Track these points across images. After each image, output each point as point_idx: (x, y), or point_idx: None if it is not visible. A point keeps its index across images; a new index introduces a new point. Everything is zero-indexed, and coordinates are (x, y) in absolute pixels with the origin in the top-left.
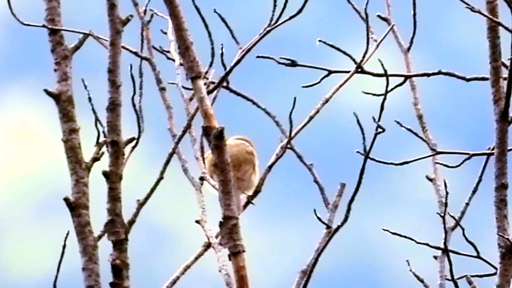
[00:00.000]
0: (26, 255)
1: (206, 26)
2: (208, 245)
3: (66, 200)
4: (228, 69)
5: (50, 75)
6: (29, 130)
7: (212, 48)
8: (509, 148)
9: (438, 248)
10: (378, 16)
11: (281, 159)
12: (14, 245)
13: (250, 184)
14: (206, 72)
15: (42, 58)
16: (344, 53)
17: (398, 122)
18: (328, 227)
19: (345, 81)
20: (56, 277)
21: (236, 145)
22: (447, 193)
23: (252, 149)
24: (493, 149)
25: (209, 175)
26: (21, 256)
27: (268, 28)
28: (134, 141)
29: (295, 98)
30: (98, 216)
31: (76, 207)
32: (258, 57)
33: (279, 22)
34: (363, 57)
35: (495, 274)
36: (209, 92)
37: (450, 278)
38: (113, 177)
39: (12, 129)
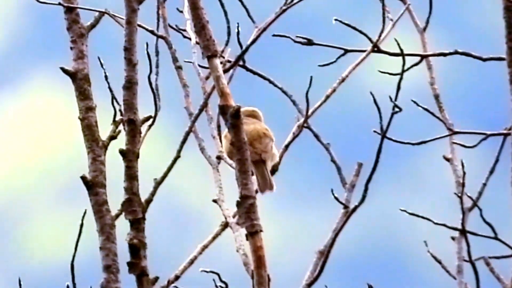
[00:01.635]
0: (46, 237)
1: (222, 4)
2: (225, 225)
3: (83, 178)
4: (244, 48)
5: (67, 53)
6: (46, 109)
7: (228, 27)
8: None
9: (455, 229)
10: None
11: (298, 138)
12: (34, 227)
13: (274, 156)
14: (222, 51)
15: (59, 37)
16: (361, 32)
17: (415, 102)
18: (346, 207)
19: (362, 60)
20: (74, 256)
21: (253, 122)
22: (464, 173)
23: (265, 126)
24: (510, 129)
25: (227, 154)
26: (41, 237)
27: (284, 7)
28: (151, 120)
29: (311, 77)
30: (115, 195)
31: (93, 185)
32: (274, 35)
33: (295, 1)
34: (379, 36)
35: None
36: (225, 71)
37: (467, 259)
38: (130, 156)
39: (29, 108)
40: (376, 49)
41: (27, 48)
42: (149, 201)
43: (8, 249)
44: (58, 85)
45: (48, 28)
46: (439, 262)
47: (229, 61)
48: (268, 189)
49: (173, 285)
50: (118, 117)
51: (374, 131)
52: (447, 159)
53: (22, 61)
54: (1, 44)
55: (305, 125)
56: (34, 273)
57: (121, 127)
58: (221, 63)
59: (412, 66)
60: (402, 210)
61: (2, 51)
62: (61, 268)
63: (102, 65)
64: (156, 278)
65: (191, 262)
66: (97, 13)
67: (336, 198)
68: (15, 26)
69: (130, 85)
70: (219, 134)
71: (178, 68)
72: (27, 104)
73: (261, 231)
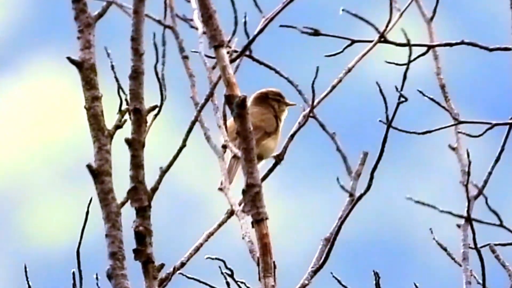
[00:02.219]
0: (49, 222)
1: None
2: (231, 213)
3: (89, 167)
4: (251, 38)
5: (74, 42)
6: (52, 97)
7: (235, 17)
8: None
9: (461, 216)
10: None
11: (303, 128)
12: (37, 212)
13: (263, 149)
14: (229, 41)
15: (66, 25)
16: (367, 22)
17: (420, 92)
18: (351, 195)
19: (368, 51)
20: (80, 243)
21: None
22: (469, 161)
23: (266, 116)
24: None
25: (231, 141)
26: (44, 222)
27: None
28: (157, 109)
29: (317, 67)
30: (121, 184)
31: (99, 174)
32: (281, 26)
33: None
34: (386, 26)
35: None
36: (232, 61)
37: (473, 246)
38: (135, 145)
39: (35, 96)
40: (383, 39)
41: (30, 32)
42: (154, 189)
43: (11, 234)
44: (61, 69)
45: (52, 12)
46: (445, 249)
47: (235, 51)
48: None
49: (178, 272)
50: (124, 107)
51: (380, 121)
52: (453, 148)
53: (25, 45)
54: (5, 28)
55: (311, 114)
56: (38, 259)
57: (127, 116)
58: (227, 53)
59: (418, 56)
60: (408, 198)
61: (5, 35)
62: (66, 254)
63: (108, 55)
64: (162, 265)
65: (197, 249)
66: (104, 3)
67: (342, 187)
68: (19, 10)
69: (136, 75)
70: (225, 124)
71: (185, 58)
72: (30, 89)
73: (266, 218)
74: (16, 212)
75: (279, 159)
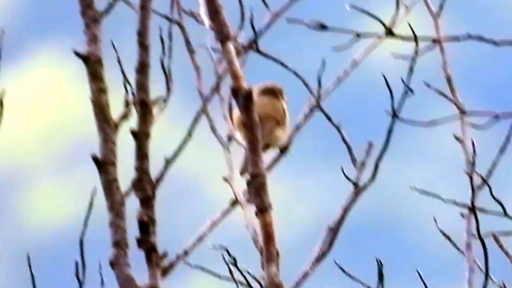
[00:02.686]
0: (52, 211)
1: None
2: (235, 202)
3: (94, 158)
4: (257, 32)
5: (80, 35)
6: (58, 89)
7: (242, 11)
8: None
9: (465, 206)
10: None
11: (309, 119)
12: (41, 201)
13: (272, 138)
14: (236, 35)
15: (72, 18)
16: (374, 16)
17: (426, 84)
18: (356, 185)
19: (375, 45)
20: (83, 233)
21: (262, 103)
22: (474, 152)
23: (276, 106)
24: None
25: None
26: (48, 211)
27: None
28: (163, 101)
29: (323, 60)
30: (125, 175)
31: (104, 164)
32: (288, 20)
33: None
34: (393, 20)
35: None
36: (238, 55)
37: (477, 235)
38: (141, 136)
39: (41, 88)
40: (389, 33)
41: (36, 25)
42: (159, 179)
43: (13, 222)
44: (67, 61)
45: (58, 4)
46: (448, 238)
47: (242, 45)
48: (245, 172)
49: (182, 260)
50: (130, 99)
51: (385, 111)
52: (458, 139)
53: (31, 38)
54: (11, 20)
55: (317, 106)
56: (40, 246)
57: (133, 108)
58: (234, 47)
59: (425, 50)
60: (412, 188)
61: (11, 27)
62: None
63: (115, 49)
64: (165, 254)
65: (200, 238)
66: None
67: (347, 176)
68: (24, 2)
69: (142, 68)
70: (230, 115)
71: (191, 51)
72: (36, 80)
73: (270, 208)
74: (19, 201)
75: (284, 149)
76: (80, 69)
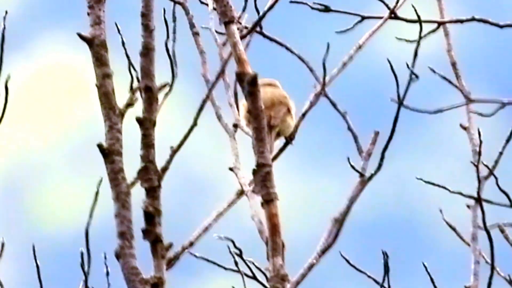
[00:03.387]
0: (59, 203)
1: None
2: (241, 193)
3: (99, 146)
4: (261, 14)
5: (84, 20)
6: (63, 76)
7: None
8: None
9: (471, 197)
10: None
11: (314, 107)
12: (47, 193)
13: (285, 125)
14: (239, 17)
15: (76, 3)
16: None
17: (432, 69)
18: (362, 175)
19: (379, 27)
20: (89, 223)
21: (271, 91)
22: (480, 141)
23: (285, 93)
24: None
25: (244, 122)
26: (54, 203)
27: None
28: (168, 87)
29: (328, 44)
30: (131, 163)
31: (110, 153)
32: (291, 2)
33: None
34: (397, 3)
35: None
36: (242, 37)
37: (482, 227)
38: (146, 124)
39: (46, 73)
40: (393, 15)
41: (41, 10)
42: (165, 169)
43: (21, 215)
44: (72, 47)
45: None
46: (454, 229)
47: (246, 28)
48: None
49: (187, 251)
50: (135, 84)
51: (391, 99)
52: (464, 128)
53: (35, 23)
54: (15, 6)
55: (322, 93)
56: (47, 239)
57: (138, 94)
58: (238, 29)
59: (429, 33)
60: (418, 179)
61: (15, 14)
62: (75, 235)
63: (119, 31)
64: (170, 244)
65: (206, 229)
66: None
67: (352, 166)
68: None
69: (147, 52)
70: (236, 102)
71: (195, 34)
72: (41, 67)
73: (276, 199)
74: (25, 192)
75: (290, 138)
76: (87, 55)
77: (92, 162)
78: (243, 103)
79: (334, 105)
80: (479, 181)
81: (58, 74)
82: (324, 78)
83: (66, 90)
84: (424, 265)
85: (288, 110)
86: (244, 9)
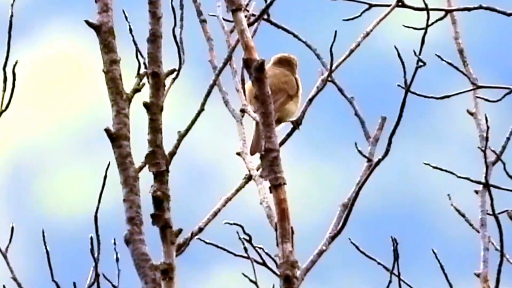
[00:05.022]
0: (67, 190)
1: None
2: (249, 178)
3: (107, 131)
4: (269, 1)
5: (92, 6)
6: (72, 62)
7: None
8: None
9: (479, 182)
10: None
11: (322, 92)
12: (55, 179)
13: (284, 112)
14: (247, 5)
15: None
16: None
17: (439, 56)
18: (369, 160)
19: (386, 15)
20: (97, 207)
21: (274, 74)
22: (488, 127)
23: (288, 78)
24: None
25: (250, 104)
26: (62, 190)
27: None
28: (175, 73)
29: (335, 31)
30: (139, 148)
31: (117, 138)
32: None
33: None
34: None
35: None
36: (249, 25)
37: (491, 212)
38: (154, 108)
39: (52, 60)
40: (400, 3)
41: None
42: (172, 153)
43: (29, 201)
44: (79, 33)
45: None
46: (463, 215)
47: (253, 15)
48: (257, 151)
49: (196, 237)
50: (142, 70)
51: (398, 85)
52: (471, 113)
53: (42, 10)
54: None
55: (329, 79)
56: (56, 225)
57: (145, 80)
58: (245, 17)
59: (436, 20)
60: (426, 164)
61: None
62: (83, 221)
63: (126, 18)
64: (180, 230)
65: (215, 214)
66: None
67: (360, 152)
68: None
69: (154, 38)
70: (243, 88)
71: (203, 21)
72: (47, 54)
73: (284, 184)
74: (34, 178)
75: (297, 124)
76: (94, 42)
77: (100, 148)
78: (248, 85)
79: (341, 90)
80: (487, 167)
81: (65, 61)
82: (331, 65)
83: (73, 76)
84: (434, 252)
85: (290, 96)
86: None
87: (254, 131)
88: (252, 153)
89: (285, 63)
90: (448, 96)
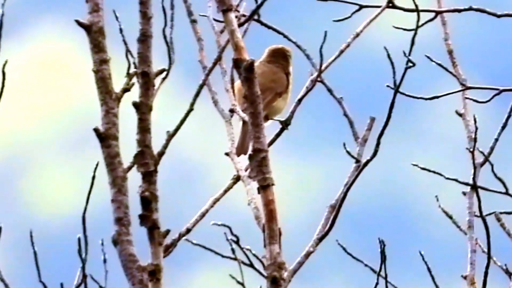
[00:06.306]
0: (55, 190)
1: None
2: (237, 178)
3: (96, 130)
4: (259, 2)
5: (81, 6)
6: (61, 61)
7: None
8: None
9: (467, 184)
10: None
11: (311, 92)
12: (43, 179)
13: (272, 109)
14: (237, 5)
15: None
16: None
17: (428, 57)
18: (358, 161)
19: (376, 16)
20: (85, 208)
21: (262, 73)
22: (476, 128)
23: (277, 76)
24: None
25: (239, 103)
26: (50, 190)
27: None
28: (165, 73)
29: (325, 32)
30: (127, 148)
31: (106, 137)
32: None
33: None
34: None
35: None
36: (240, 25)
37: (478, 214)
38: (143, 108)
39: (44, 59)
40: (390, 4)
41: None
42: (161, 153)
43: (16, 202)
44: (68, 34)
45: None
46: (450, 217)
47: (244, 15)
48: (242, 153)
49: (184, 238)
50: (132, 70)
51: (387, 86)
52: (460, 114)
53: (32, 10)
54: None
55: (319, 79)
56: (44, 226)
57: (134, 79)
58: (236, 17)
59: (426, 22)
60: (414, 165)
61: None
62: (71, 221)
63: (117, 18)
64: (168, 231)
65: (203, 215)
66: None
67: (348, 152)
68: None
69: (144, 38)
70: (233, 88)
71: (193, 22)
72: (36, 53)
73: (272, 184)
74: (22, 178)
75: (286, 124)
76: (83, 42)
77: (89, 148)
78: (238, 85)
79: (330, 91)
80: (475, 168)
81: (54, 61)
82: (320, 65)
83: (62, 76)
84: (421, 254)
85: (278, 93)
86: None
87: (241, 132)
88: (238, 155)
89: (279, 55)
90: (437, 97)
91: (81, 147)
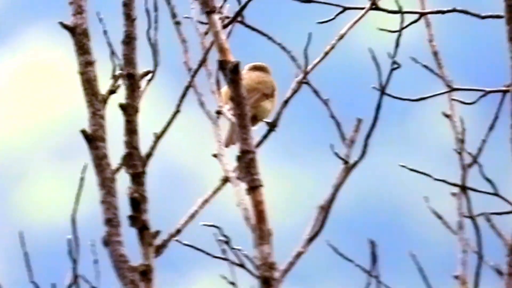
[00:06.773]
0: (45, 195)
1: None
2: (225, 180)
3: (83, 132)
4: (243, 3)
5: (65, 8)
6: (44, 65)
7: None
8: None
9: (455, 185)
10: None
11: (297, 94)
12: (33, 185)
13: (259, 110)
14: (221, 7)
15: None
16: None
17: (413, 59)
18: (346, 162)
19: (360, 18)
20: (75, 209)
21: (249, 77)
22: (463, 129)
23: (263, 79)
24: (508, 86)
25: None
26: (40, 195)
27: None
28: (150, 74)
29: (310, 33)
30: (115, 149)
31: (94, 139)
32: None
33: None
34: None
35: None
36: (224, 27)
37: (468, 215)
38: (129, 110)
39: (30, 65)
40: (374, 6)
41: (24, 4)
42: (149, 155)
43: (7, 208)
44: (56, 41)
45: None
46: (440, 218)
47: (227, 17)
48: (231, 144)
49: (174, 239)
50: (118, 72)
51: (373, 87)
52: (447, 116)
53: (19, 17)
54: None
55: (304, 80)
56: (35, 228)
57: (120, 81)
58: (220, 19)
59: (410, 23)
60: (402, 166)
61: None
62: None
63: (100, 20)
64: (157, 232)
65: (192, 216)
66: None
67: (336, 154)
68: None
69: (129, 40)
70: (219, 89)
71: (177, 23)
72: (25, 60)
73: (261, 185)
74: (12, 183)
75: (273, 126)
76: (70, 46)
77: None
78: (224, 86)
79: (316, 92)
80: (464, 169)
81: (41, 66)
82: (305, 67)
83: (50, 81)
84: (412, 254)
85: (265, 95)
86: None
87: (229, 125)
88: (226, 146)
89: (260, 68)
90: (423, 98)
91: (71, 152)
